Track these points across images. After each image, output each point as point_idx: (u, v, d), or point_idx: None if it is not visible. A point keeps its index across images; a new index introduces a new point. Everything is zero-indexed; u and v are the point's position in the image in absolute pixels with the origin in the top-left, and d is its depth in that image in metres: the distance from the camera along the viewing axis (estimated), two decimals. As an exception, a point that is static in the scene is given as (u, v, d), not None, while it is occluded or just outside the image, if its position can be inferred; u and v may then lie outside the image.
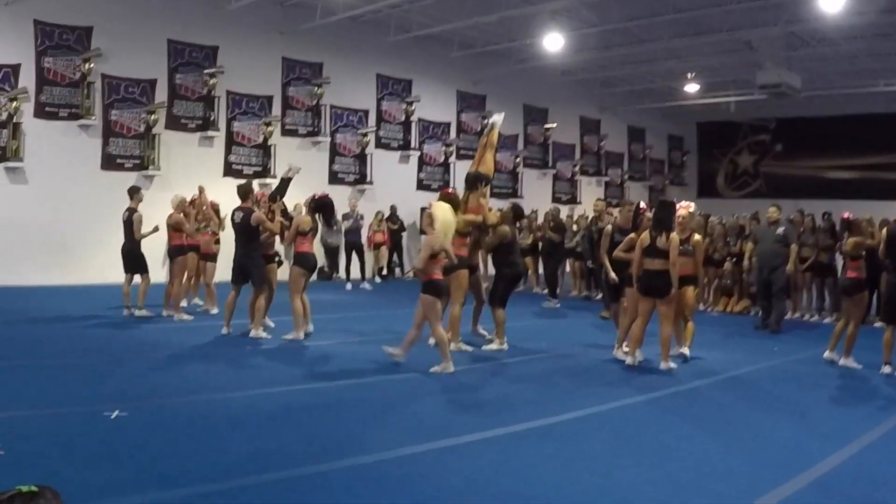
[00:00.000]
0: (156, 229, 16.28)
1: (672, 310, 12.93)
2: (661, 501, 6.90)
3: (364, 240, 25.95)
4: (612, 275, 14.27)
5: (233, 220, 14.87)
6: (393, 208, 28.07)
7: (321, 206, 14.80)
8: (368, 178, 28.33)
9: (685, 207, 13.74)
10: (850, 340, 13.54)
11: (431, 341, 13.48)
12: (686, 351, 13.71)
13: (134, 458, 7.44)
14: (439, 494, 6.89)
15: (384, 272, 27.95)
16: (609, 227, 14.80)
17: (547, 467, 7.73)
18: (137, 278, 16.26)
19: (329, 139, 27.53)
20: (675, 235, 12.84)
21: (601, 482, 7.37)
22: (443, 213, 13.08)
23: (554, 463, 7.89)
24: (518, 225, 17.23)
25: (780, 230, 18.14)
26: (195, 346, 13.71)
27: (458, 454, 8.13)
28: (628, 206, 14.92)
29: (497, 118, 15.71)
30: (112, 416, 8.73)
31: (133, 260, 16.24)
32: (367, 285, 24.16)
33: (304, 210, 15.07)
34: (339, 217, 23.37)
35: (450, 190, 16.13)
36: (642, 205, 14.74)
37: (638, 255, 12.90)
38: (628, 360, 13.16)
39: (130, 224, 16.05)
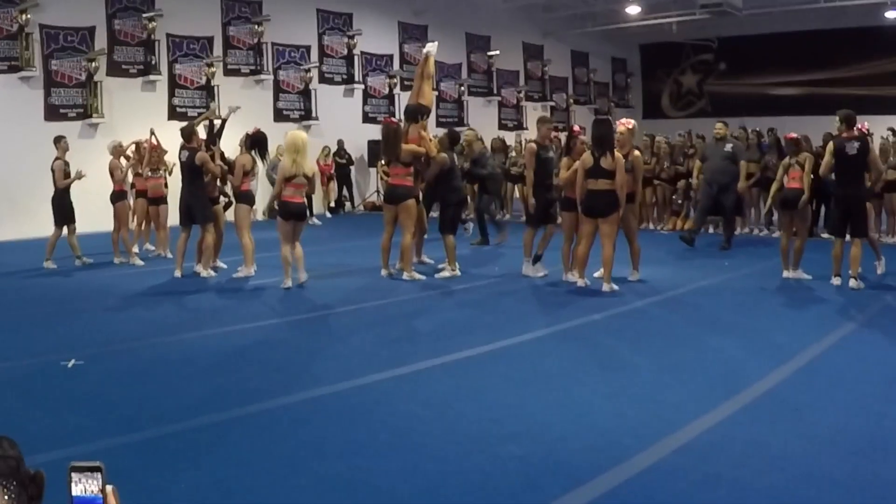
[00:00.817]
0: (79, 175, 15.90)
1: (615, 230, 12.99)
2: (618, 414, 7.07)
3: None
4: (532, 200, 14.18)
5: (179, 160, 14.88)
6: (340, 143, 27.99)
7: (256, 141, 14.78)
8: (314, 114, 28.22)
9: (624, 124, 13.82)
10: (798, 253, 13.74)
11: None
12: (636, 275, 13.85)
13: (93, 405, 7.51)
14: (396, 420, 7.01)
15: (332, 206, 27.98)
16: (532, 146, 14.57)
17: (502, 389, 7.91)
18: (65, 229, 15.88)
19: (272, 77, 27.37)
20: (619, 154, 12.88)
21: (558, 398, 7.55)
22: (290, 141, 13.49)
23: (509, 384, 8.07)
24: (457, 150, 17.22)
25: (728, 147, 18.20)
26: (148, 290, 13.69)
27: (414, 381, 8.28)
28: (546, 124, 14.91)
29: (431, 47, 15.66)
30: (69, 365, 8.75)
31: (55, 210, 15.89)
32: (316, 220, 24.14)
33: (241, 149, 15.10)
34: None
35: (392, 119, 16.14)
36: (576, 128, 14.80)
37: (581, 176, 12.90)
38: (579, 282, 13.26)
39: (53, 173, 15.82)
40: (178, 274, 14.46)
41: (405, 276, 14.05)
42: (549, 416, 7.05)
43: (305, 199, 13.41)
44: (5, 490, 1.99)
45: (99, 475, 2.15)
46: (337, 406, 7.46)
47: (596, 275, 13.42)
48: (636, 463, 6.02)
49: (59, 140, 16.06)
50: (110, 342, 10.08)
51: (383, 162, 16.49)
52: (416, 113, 14.73)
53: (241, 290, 13.71)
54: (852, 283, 12.90)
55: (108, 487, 2.15)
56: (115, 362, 9.16)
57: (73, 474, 2.14)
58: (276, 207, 13.39)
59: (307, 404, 7.53)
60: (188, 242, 14.64)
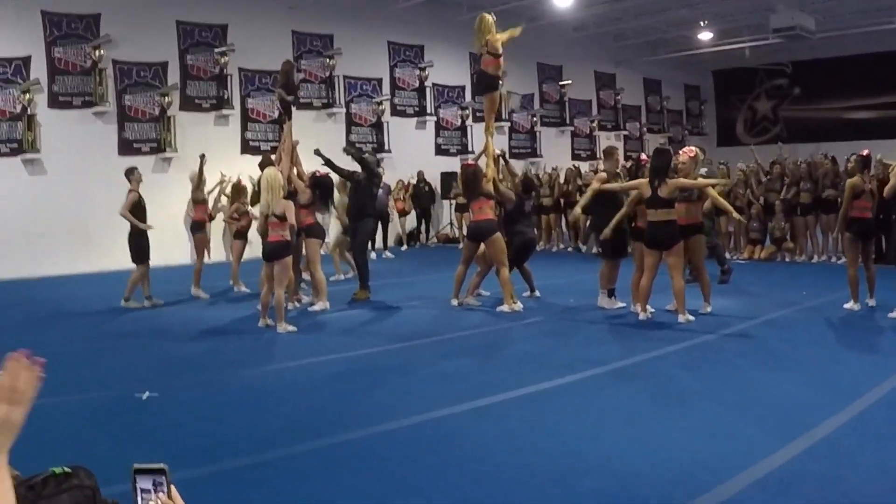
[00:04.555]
0: (148, 227, 15.29)
1: (680, 260, 12.85)
2: (692, 449, 6.95)
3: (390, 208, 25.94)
4: (607, 231, 13.86)
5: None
6: (420, 174, 27.99)
7: (317, 184, 14.86)
8: (386, 147, 28.29)
9: (686, 153, 13.57)
10: (871, 282, 13.54)
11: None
12: (707, 307, 13.60)
13: (166, 436, 7.55)
14: (472, 454, 6.95)
15: (406, 238, 28.00)
16: (603, 175, 14.52)
17: (577, 422, 7.85)
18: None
19: (344, 110, 27.52)
20: (673, 182, 12.70)
21: (632, 432, 7.46)
22: (264, 179, 13.30)
23: (583, 418, 8.01)
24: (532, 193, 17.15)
25: (703, 171, 17.31)
26: (224, 323, 13.79)
27: (489, 414, 8.23)
28: (615, 154, 14.84)
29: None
30: (143, 397, 8.85)
31: (130, 247, 15.39)
32: (389, 253, 24.17)
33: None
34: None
35: (470, 162, 16.09)
36: (643, 157, 14.66)
37: (635, 206, 12.95)
38: (641, 315, 13.11)
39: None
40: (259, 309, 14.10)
41: (505, 307, 14.11)
42: (623, 451, 6.97)
43: (285, 239, 12.97)
44: None
45: (163, 477, 2.29)
46: (414, 439, 7.44)
47: (669, 307, 13.29)
48: (712, 497, 5.94)
49: (131, 172, 15.45)
50: (184, 374, 10.21)
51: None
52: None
53: (315, 323, 13.69)
54: None
55: (172, 488, 2.27)
56: (189, 394, 9.25)
57: (137, 476, 2.28)
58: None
59: (381, 437, 7.50)
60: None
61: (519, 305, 14.25)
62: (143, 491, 2.28)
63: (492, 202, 14.35)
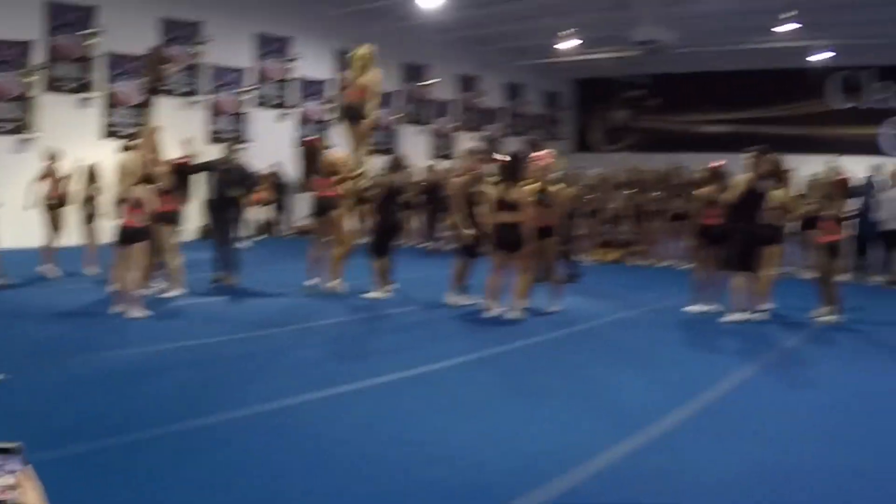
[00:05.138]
0: None
1: (526, 262, 13.23)
2: (535, 440, 7.24)
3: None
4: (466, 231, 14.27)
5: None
6: (277, 165, 27.97)
7: (177, 171, 14.88)
8: (247, 137, 28.19)
9: (542, 158, 13.94)
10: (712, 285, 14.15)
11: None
12: (557, 307, 14.05)
13: (19, 419, 7.50)
14: (319, 442, 7.12)
15: (263, 230, 27.97)
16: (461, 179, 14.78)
17: (424, 413, 8.08)
18: None
19: (208, 98, 27.41)
20: (527, 188, 13.10)
21: (478, 423, 7.74)
22: (123, 164, 13.46)
23: (430, 409, 8.25)
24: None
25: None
26: (77, 306, 13.59)
27: (338, 403, 8.39)
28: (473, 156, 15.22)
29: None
30: None
31: None
32: (249, 242, 24.10)
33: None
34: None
35: (313, 138, 16.15)
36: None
37: (490, 207, 13.20)
38: (493, 311, 13.41)
39: None
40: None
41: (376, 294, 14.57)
42: (467, 441, 7.19)
43: (142, 224, 12.94)
44: None
45: (18, 456, 2.21)
46: (262, 426, 7.53)
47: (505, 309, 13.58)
48: (553, 487, 6.17)
49: None
50: (38, 358, 10.01)
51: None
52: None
53: (169, 310, 13.57)
54: (740, 315, 13.29)
55: (29, 468, 2.21)
56: (43, 378, 9.09)
57: None
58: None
59: (231, 424, 7.58)
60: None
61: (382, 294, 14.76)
62: None
63: (333, 180, 14.63)
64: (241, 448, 6.94)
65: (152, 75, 15.36)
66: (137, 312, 12.71)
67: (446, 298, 14.50)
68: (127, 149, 14.34)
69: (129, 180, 12.98)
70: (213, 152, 16.08)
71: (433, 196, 23.81)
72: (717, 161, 14.83)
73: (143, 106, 15.61)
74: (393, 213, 15.40)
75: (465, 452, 6.91)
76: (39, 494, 2.22)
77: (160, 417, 7.65)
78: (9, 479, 2.17)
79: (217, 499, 5.94)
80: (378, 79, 15.54)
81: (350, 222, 14.99)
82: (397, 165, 16.43)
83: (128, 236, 12.82)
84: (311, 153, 14.54)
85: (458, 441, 7.21)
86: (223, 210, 15.97)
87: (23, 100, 22.62)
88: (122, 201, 12.97)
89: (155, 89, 15.32)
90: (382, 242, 15.03)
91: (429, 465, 6.60)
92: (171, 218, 14.43)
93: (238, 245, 16.47)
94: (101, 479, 6.14)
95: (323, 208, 14.66)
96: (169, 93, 25.76)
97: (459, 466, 6.59)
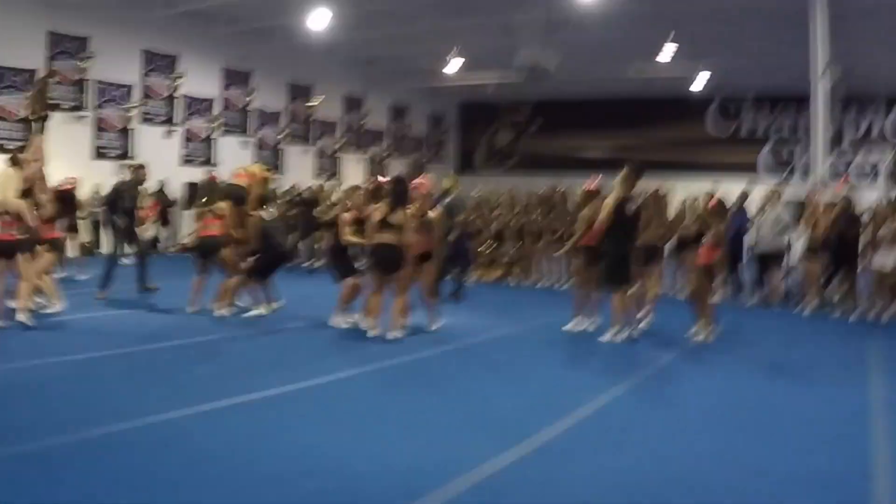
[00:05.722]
0: None
1: (404, 283, 13.44)
2: (412, 454, 7.38)
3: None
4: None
5: None
6: (162, 183, 27.79)
7: (59, 198, 14.79)
8: (132, 154, 28.06)
9: (423, 184, 14.03)
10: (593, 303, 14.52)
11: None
12: (435, 326, 14.21)
13: None
14: (192, 456, 7.13)
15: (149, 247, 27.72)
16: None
17: (301, 428, 8.16)
18: None
19: (93, 114, 27.27)
20: (409, 212, 13.30)
21: (355, 438, 7.87)
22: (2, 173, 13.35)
23: (308, 423, 8.35)
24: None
25: (447, 200, 17.74)
26: None
27: (214, 418, 8.42)
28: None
29: None
30: None
31: None
32: (127, 260, 23.95)
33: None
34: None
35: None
36: (381, 180, 15.10)
37: (372, 227, 13.33)
38: (371, 331, 13.42)
39: None
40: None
41: (224, 311, 14.57)
42: (345, 454, 7.27)
43: (15, 237, 12.75)
44: None
45: None
46: (136, 441, 7.47)
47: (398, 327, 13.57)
48: (430, 500, 6.29)
49: None
50: None
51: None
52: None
53: (46, 323, 13.33)
54: (613, 335, 13.54)
55: None
56: None
57: None
58: None
59: (109, 438, 7.51)
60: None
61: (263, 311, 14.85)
62: None
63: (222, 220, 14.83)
64: (120, 462, 6.88)
65: (40, 94, 15.25)
66: (24, 322, 12.68)
67: (331, 319, 14.42)
68: (13, 162, 14.17)
69: (7, 193, 12.78)
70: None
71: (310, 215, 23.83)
72: (592, 180, 15.13)
73: (31, 121, 15.40)
74: (274, 237, 15.45)
75: (343, 465, 6.98)
76: None
77: (35, 431, 7.57)
78: None
79: None
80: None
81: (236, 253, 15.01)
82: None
83: (5, 250, 12.71)
84: (210, 188, 14.56)
85: (336, 455, 7.28)
86: (115, 226, 16.14)
87: None
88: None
89: (44, 106, 15.17)
90: (268, 264, 15.11)
91: (305, 478, 6.65)
92: (56, 246, 14.42)
93: (124, 260, 16.52)
94: None
95: (209, 247, 14.86)
96: (55, 107, 25.54)
97: (337, 479, 6.67)
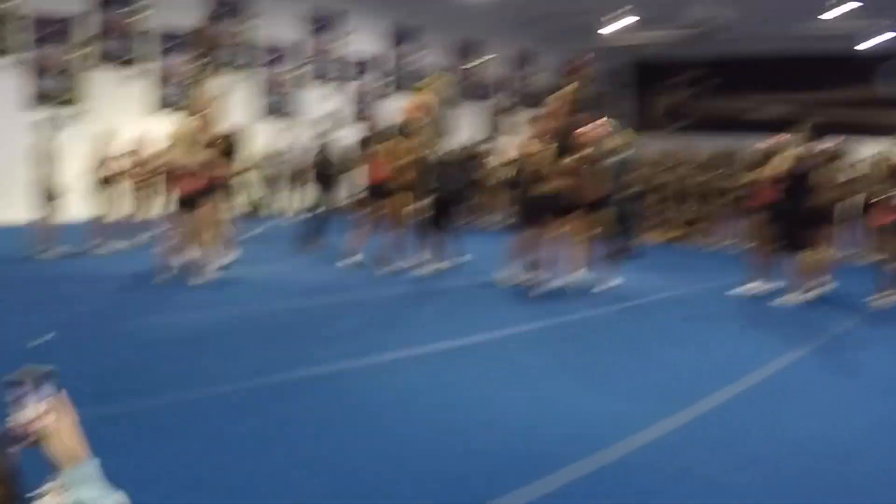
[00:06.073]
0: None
1: (579, 230, 13.14)
2: (586, 410, 7.17)
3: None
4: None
5: None
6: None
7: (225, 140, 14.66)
8: (302, 112, 28.00)
9: (596, 128, 13.58)
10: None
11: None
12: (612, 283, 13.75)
13: (65, 378, 7.33)
14: (368, 406, 7.17)
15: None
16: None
17: (479, 381, 8.05)
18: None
19: (261, 73, 27.20)
20: (578, 156, 12.92)
21: (526, 393, 7.69)
22: (180, 132, 13.35)
23: (479, 378, 8.21)
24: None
25: (622, 156, 17.30)
26: (131, 274, 13.65)
27: (389, 370, 8.40)
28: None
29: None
30: (39, 342, 8.61)
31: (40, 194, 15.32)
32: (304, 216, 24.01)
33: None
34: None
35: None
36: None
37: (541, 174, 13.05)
38: (548, 284, 13.11)
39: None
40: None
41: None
42: (522, 409, 7.17)
43: (202, 186, 12.96)
44: None
45: (49, 382, 2.23)
46: (307, 390, 7.59)
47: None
48: (605, 455, 6.14)
49: (45, 122, 15.67)
50: (92, 321, 10.24)
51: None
52: None
53: (222, 276, 13.56)
54: (790, 299, 12.97)
55: (63, 394, 2.24)
56: (95, 340, 9.23)
57: (22, 382, 2.19)
58: None
59: (281, 387, 7.61)
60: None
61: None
62: (26, 394, 2.20)
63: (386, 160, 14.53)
64: (292, 408, 7.05)
65: (202, 50, 15.17)
66: (200, 277, 12.92)
67: (502, 273, 14.11)
68: (184, 117, 14.26)
69: (184, 148, 12.96)
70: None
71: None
72: (768, 140, 14.37)
73: (194, 81, 15.32)
74: (450, 183, 14.98)
75: (519, 419, 6.93)
76: (73, 420, 2.26)
77: (211, 379, 7.78)
78: (42, 405, 2.20)
79: (264, 458, 5.96)
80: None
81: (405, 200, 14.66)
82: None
83: (189, 200, 12.92)
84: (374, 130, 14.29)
85: (511, 408, 7.20)
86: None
87: (72, 74, 22.54)
88: (179, 169, 12.96)
89: (205, 65, 15.09)
90: (441, 215, 14.71)
91: (475, 431, 6.62)
92: (223, 187, 14.19)
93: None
94: (153, 435, 6.28)
95: (378, 191, 14.38)
96: (219, 67, 25.57)
97: (513, 431, 6.62)
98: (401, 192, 14.60)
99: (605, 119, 14.31)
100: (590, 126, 13.64)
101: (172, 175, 13.14)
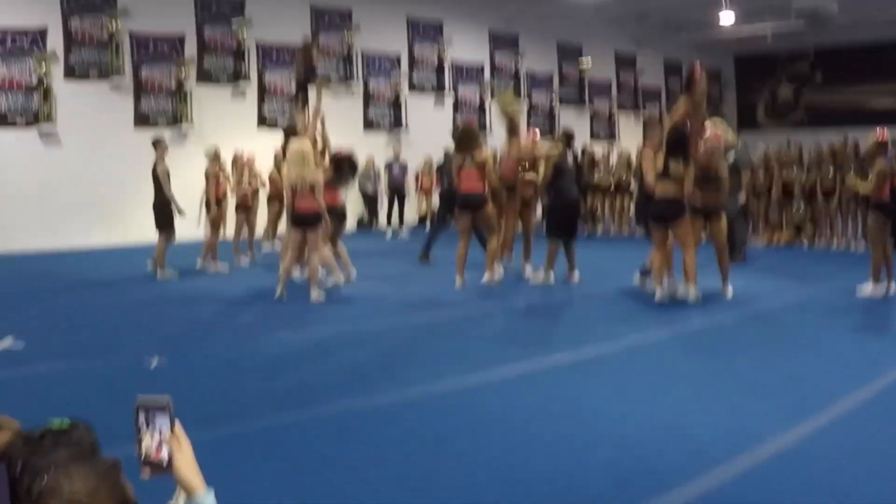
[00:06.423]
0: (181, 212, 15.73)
1: (690, 238, 12.65)
2: (709, 423, 6.95)
3: (410, 186, 26.22)
4: None
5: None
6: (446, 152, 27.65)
7: (337, 163, 14.62)
8: (404, 124, 28.12)
9: (712, 135, 13.10)
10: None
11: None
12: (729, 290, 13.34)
13: (177, 400, 7.39)
14: (486, 420, 7.08)
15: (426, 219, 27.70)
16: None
17: (591, 396, 7.86)
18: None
19: (362, 86, 27.36)
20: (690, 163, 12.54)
21: (647, 406, 7.49)
22: (296, 150, 13.21)
23: (598, 392, 8.04)
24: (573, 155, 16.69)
25: (731, 156, 17.10)
26: (239, 292, 13.90)
27: (503, 386, 8.24)
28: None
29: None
30: (152, 365, 8.84)
31: (157, 216, 15.60)
32: (404, 233, 24.09)
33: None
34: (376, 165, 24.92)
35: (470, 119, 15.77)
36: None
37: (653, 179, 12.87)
38: (658, 294, 12.80)
39: (157, 178, 15.47)
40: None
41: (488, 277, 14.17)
42: (638, 423, 6.98)
43: (318, 208, 13.06)
44: (80, 472, 2.05)
45: (167, 411, 2.28)
46: (426, 406, 7.57)
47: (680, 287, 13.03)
48: (731, 467, 5.95)
49: (158, 143, 15.77)
50: (193, 343, 10.28)
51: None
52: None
53: (336, 293, 13.73)
54: None
55: (177, 423, 2.30)
56: (197, 362, 9.29)
57: (139, 412, 2.27)
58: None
59: (397, 404, 7.62)
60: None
61: (497, 275, 14.54)
62: (144, 424, 2.28)
63: (481, 171, 14.14)
64: (407, 426, 7.01)
65: (304, 66, 15.20)
66: (318, 294, 13.05)
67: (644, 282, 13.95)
68: (291, 135, 14.34)
69: (303, 166, 12.99)
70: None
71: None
72: (882, 131, 13.91)
73: (297, 96, 15.32)
74: (566, 191, 14.72)
75: (636, 433, 6.73)
76: (190, 450, 2.32)
77: (322, 398, 7.79)
78: (159, 436, 2.26)
79: (379, 478, 5.90)
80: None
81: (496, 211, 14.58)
82: (567, 141, 15.54)
83: (304, 219, 13.03)
84: (472, 134, 14.11)
85: (627, 422, 7.02)
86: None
87: (178, 92, 22.84)
88: (294, 187, 13.01)
89: (308, 79, 15.09)
90: (557, 223, 14.52)
91: (595, 446, 6.47)
92: (335, 211, 14.24)
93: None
94: (262, 457, 6.26)
95: (469, 203, 14.18)
96: (323, 82, 25.65)
97: (629, 446, 6.43)
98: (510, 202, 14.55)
99: (716, 121, 14.03)
100: (708, 132, 13.32)
101: (290, 194, 13.11)
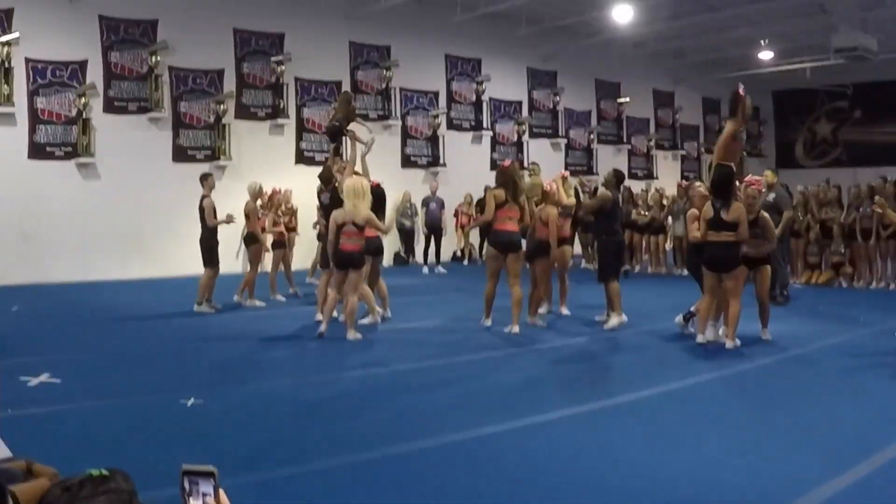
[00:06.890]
0: (229, 219, 15.90)
1: (738, 286, 12.34)
2: (748, 472, 6.77)
3: (447, 222, 26.15)
4: None
5: (320, 202, 15.31)
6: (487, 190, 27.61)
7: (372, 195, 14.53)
8: (441, 160, 28.12)
9: (754, 182, 12.97)
10: None
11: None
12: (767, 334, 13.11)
13: (209, 443, 7.50)
14: (520, 471, 6.86)
15: (457, 254, 27.65)
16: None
17: (630, 443, 7.69)
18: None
19: (400, 122, 27.40)
20: (740, 205, 12.28)
21: (685, 454, 7.33)
22: (350, 187, 13.11)
23: (636, 439, 7.86)
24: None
25: (771, 196, 16.93)
26: (278, 331, 13.75)
27: (540, 432, 8.08)
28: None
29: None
30: (188, 404, 8.78)
31: (202, 250, 15.67)
32: (441, 269, 24.04)
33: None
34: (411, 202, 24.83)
35: (507, 162, 15.58)
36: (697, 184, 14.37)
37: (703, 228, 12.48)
38: (699, 337, 12.61)
39: (202, 211, 15.56)
40: (319, 317, 14.01)
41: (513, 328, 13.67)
42: (676, 472, 6.82)
43: (361, 247, 13.11)
44: None
45: (212, 480, 2.34)
46: (462, 454, 7.32)
47: (720, 331, 12.84)
48: None
49: (206, 177, 15.95)
50: (230, 382, 10.17)
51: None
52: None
53: (365, 334, 13.44)
54: None
55: (221, 492, 2.35)
56: (234, 402, 9.19)
57: (185, 477, 2.30)
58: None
59: (432, 452, 7.40)
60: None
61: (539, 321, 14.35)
62: (190, 493, 2.30)
63: (517, 212, 13.93)
64: (442, 476, 6.78)
65: (343, 116, 15.23)
66: (355, 334, 12.90)
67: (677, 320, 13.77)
68: (326, 173, 14.80)
69: (355, 203, 12.97)
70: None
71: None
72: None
73: (335, 138, 15.33)
74: (616, 231, 14.62)
75: (671, 484, 6.55)
76: None
77: (353, 445, 7.56)
78: (202, 502, 2.30)
79: None
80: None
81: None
82: (620, 178, 15.42)
83: (348, 260, 12.97)
84: (515, 175, 13.93)
85: (663, 472, 6.82)
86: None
87: (216, 126, 22.93)
88: (340, 225, 12.94)
89: (341, 130, 15.10)
90: (611, 265, 14.36)
91: (636, 498, 6.31)
92: (372, 246, 14.17)
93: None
94: None
95: (512, 245, 13.85)
96: (362, 117, 25.66)
97: (665, 498, 6.28)
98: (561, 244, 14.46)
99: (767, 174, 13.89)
100: (750, 177, 13.13)
101: (335, 233, 13.03)
